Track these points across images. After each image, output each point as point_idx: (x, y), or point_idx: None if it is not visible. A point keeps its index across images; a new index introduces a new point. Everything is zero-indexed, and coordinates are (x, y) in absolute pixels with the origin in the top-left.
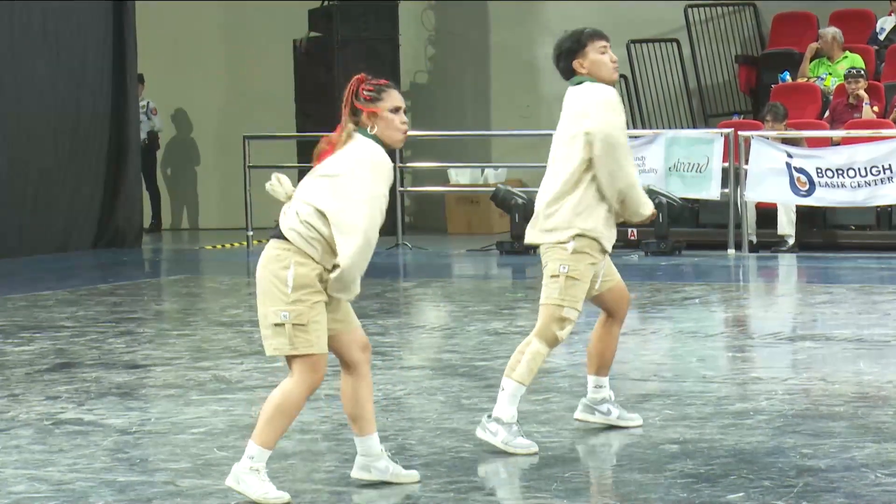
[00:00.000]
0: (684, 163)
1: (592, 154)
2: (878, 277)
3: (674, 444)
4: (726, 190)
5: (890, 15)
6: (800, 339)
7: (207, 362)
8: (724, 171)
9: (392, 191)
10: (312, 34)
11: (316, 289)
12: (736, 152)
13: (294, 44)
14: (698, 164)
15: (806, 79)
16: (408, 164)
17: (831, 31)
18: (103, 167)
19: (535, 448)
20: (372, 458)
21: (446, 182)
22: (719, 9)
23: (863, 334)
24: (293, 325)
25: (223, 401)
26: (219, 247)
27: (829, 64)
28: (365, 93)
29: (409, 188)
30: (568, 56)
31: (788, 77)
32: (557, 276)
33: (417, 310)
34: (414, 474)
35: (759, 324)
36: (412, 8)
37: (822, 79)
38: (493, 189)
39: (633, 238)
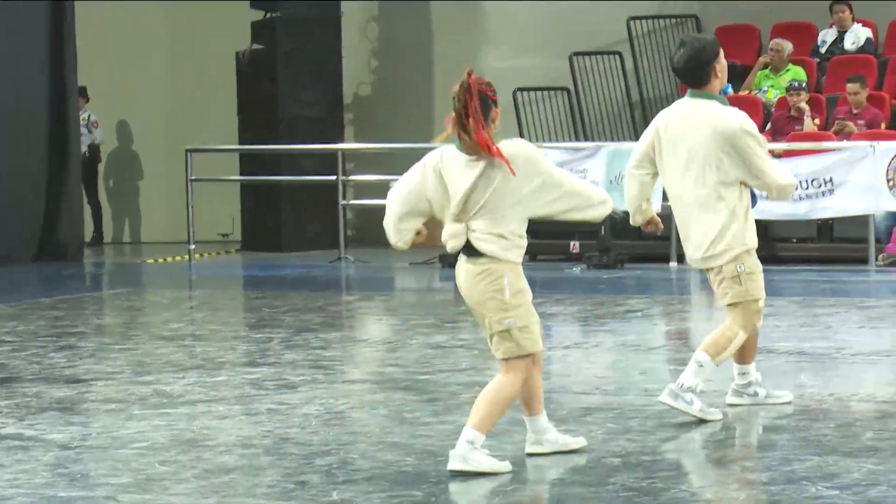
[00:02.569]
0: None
1: None
2: (820, 290)
3: (616, 457)
4: (668, 203)
5: (831, 27)
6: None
7: (149, 377)
8: None
9: (334, 204)
10: (255, 46)
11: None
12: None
13: (237, 56)
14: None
15: (749, 91)
16: (350, 178)
17: (787, 44)
18: (44, 181)
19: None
20: (540, 433)
21: None
22: (661, 21)
23: (804, 347)
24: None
25: (165, 415)
26: (161, 260)
27: (772, 76)
28: (491, 93)
29: (351, 201)
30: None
31: (731, 89)
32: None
33: (360, 323)
34: (581, 440)
35: (701, 337)
36: (355, 20)
37: (764, 91)
38: None
39: (575, 251)
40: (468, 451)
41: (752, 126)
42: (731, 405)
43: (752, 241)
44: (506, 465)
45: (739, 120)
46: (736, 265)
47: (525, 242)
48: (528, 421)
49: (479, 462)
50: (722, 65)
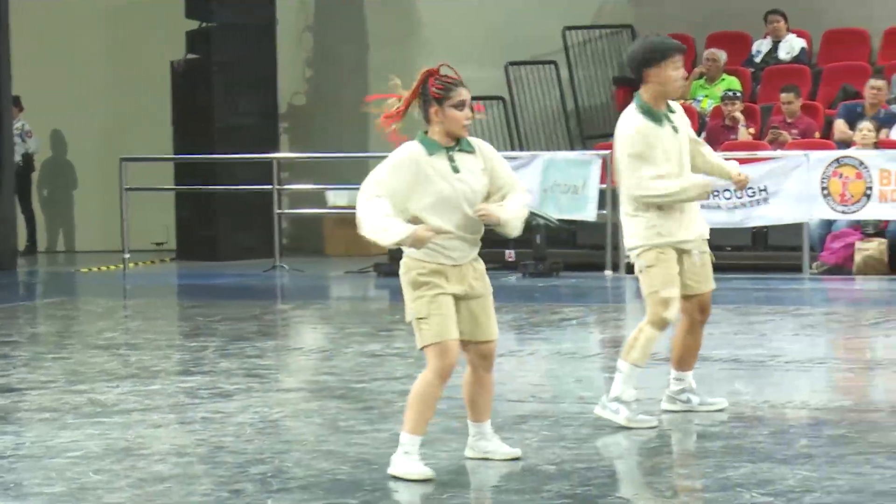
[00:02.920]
0: (561, 184)
1: None
2: (754, 298)
3: (551, 465)
4: (604, 211)
5: (766, 37)
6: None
7: (83, 385)
8: (602, 193)
9: (269, 213)
10: (190, 56)
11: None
12: (613, 174)
13: (172, 65)
14: (575, 186)
15: (683, 100)
16: (285, 186)
17: (722, 54)
18: None
19: (651, 423)
20: (476, 438)
21: (324, 204)
22: (596, 31)
23: (739, 355)
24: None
25: (99, 424)
26: (95, 269)
27: (707, 86)
28: (434, 90)
29: (286, 210)
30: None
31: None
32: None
33: (295, 332)
34: (516, 451)
35: None
36: (290, 29)
37: (699, 101)
38: None
39: (510, 259)
40: (396, 457)
41: (630, 131)
42: (665, 411)
43: (657, 238)
44: (425, 472)
45: (622, 125)
46: (639, 261)
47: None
48: (469, 425)
49: (400, 468)
50: (662, 74)
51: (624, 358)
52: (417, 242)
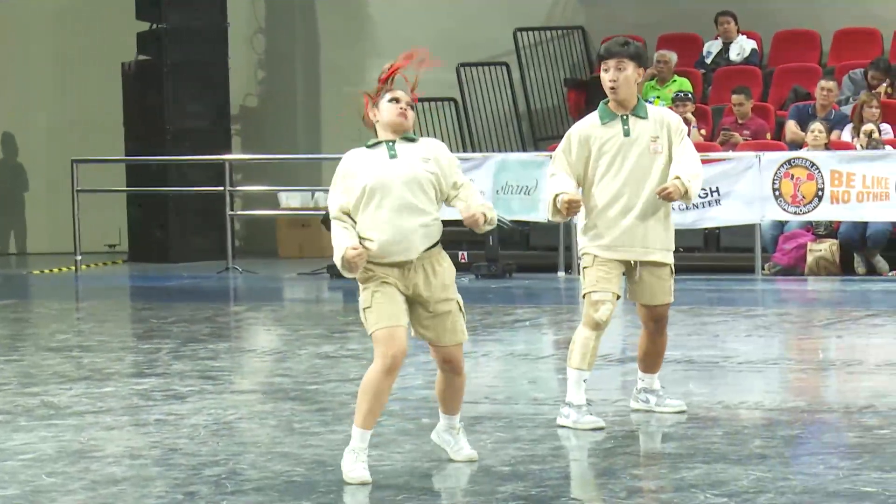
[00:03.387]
0: (513, 185)
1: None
2: (707, 299)
3: (506, 466)
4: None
5: (717, 39)
6: (629, 361)
7: (36, 388)
8: None
9: (221, 215)
10: (141, 57)
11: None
12: None
13: (123, 67)
14: (527, 187)
15: None
16: (238, 188)
17: (673, 55)
18: None
19: (595, 424)
20: (446, 429)
21: (277, 205)
22: (548, 32)
23: (692, 356)
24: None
25: (52, 426)
26: (47, 271)
27: (658, 88)
28: (378, 89)
29: (239, 212)
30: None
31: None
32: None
33: (248, 334)
34: (473, 454)
35: None
36: (242, 31)
37: (650, 102)
38: (324, 212)
39: (463, 261)
40: (346, 452)
41: (566, 135)
42: (633, 410)
43: (589, 244)
44: (360, 477)
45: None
46: (581, 262)
47: (369, 235)
48: (440, 415)
49: (343, 466)
50: (601, 77)
51: (567, 363)
52: (348, 266)
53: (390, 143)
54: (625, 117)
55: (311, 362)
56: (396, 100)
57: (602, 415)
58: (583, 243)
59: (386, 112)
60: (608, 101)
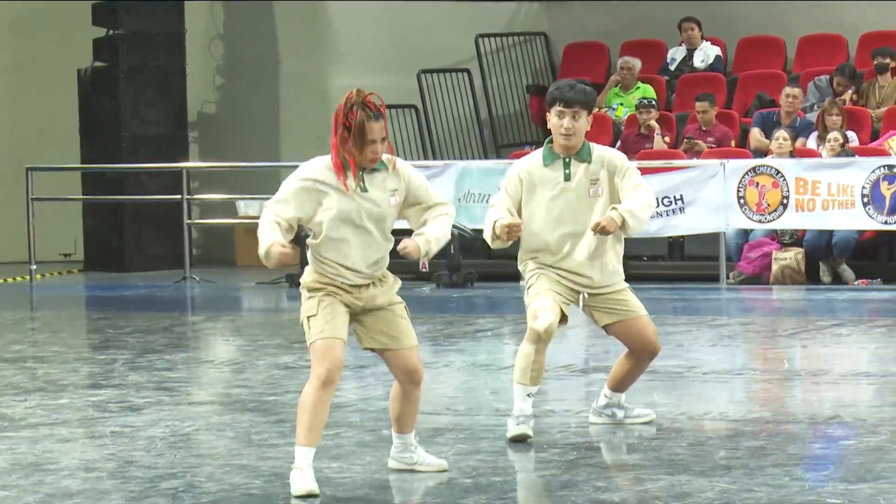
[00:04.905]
0: (475, 193)
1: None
2: (671, 308)
3: (467, 477)
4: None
5: (681, 45)
6: (592, 371)
7: None
8: None
9: (178, 223)
10: (97, 63)
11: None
12: None
13: (79, 73)
14: (490, 195)
15: (598, 108)
16: (195, 196)
17: (637, 62)
18: None
19: (521, 431)
20: (400, 449)
21: (235, 214)
22: (510, 39)
23: (656, 366)
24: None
25: (6, 439)
26: (1, 281)
27: (622, 94)
28: (347, 119)
29: (196, 220)
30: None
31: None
32: None
33: (206, 344)
34: (443, 463)
35: (551, 356)
36: (200, 37)
37: (614, 109)
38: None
39: (424, 269)
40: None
41: (508, 173)
42: (592, 423)
43: (526, 263)
44: (307, 488)
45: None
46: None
47: (329, 259)
48: (393, 436)
49: (291, 484)
50: (550, 120)
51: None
52: (268, 259)
53: (360, 173)
54: (567, 161)
55: (269, 373)
56: (374, 141)
57: (564, 426)
58: (530, 266)
59: (363, 155)
60: (552, 141)
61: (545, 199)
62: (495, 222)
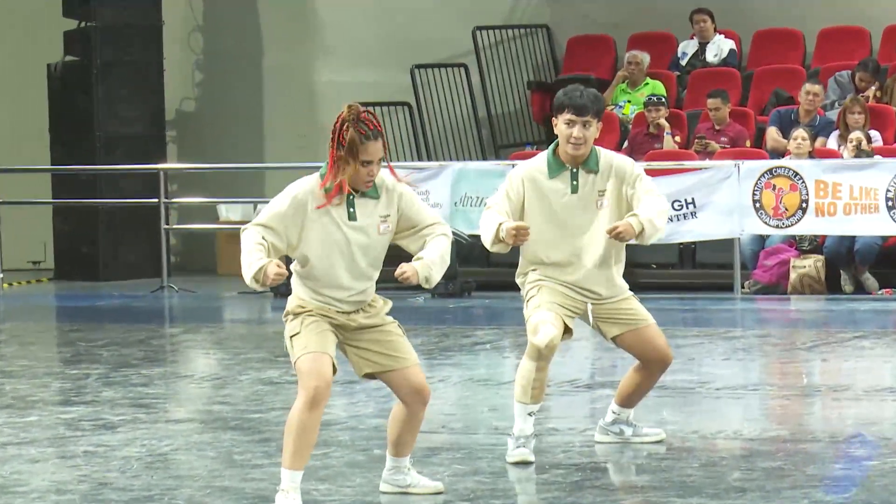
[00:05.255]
0: (473, 197)
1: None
2: (682, 320)
3: (464, 500)
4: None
5: (692, 39)
6: (598, 387)
7: None
8: None
9: (155, 228)
10: (69, 58)
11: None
12: None
13: (48, 68)
14: (488, 198)
15: (605, 107)
16: (174, 200)
17: (645, 56)
18: None
19: (521, 457)
20: (394, 471)
21: (216, 219)
22: (510, 31)
23: (665, 381)
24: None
25: None
26: None
27: (630, 91)
28: (344, 137)
29: (175, 226)
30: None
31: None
32: None
33: (185, 358)
34: (438, 485)
35: (555, 370)
36: (178, 29)
37: (621, 107)
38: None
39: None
40: (277, 496)
41: (509, 176)
42: (598, 443)
43: (527, 275)
44: None
45: None
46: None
47: (315, 286)
48: (388, 458)
49: None
50: (558, 127)
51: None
52: (265, 279)
53: (350, 198)
54: (574, 171)
55: (253, 389)
56: (369, 162)
57: (568, 445)
58: (531, 278)
59: (357, 177)
60: (557, 148)
61: (550, 211)
62: (500, 225)
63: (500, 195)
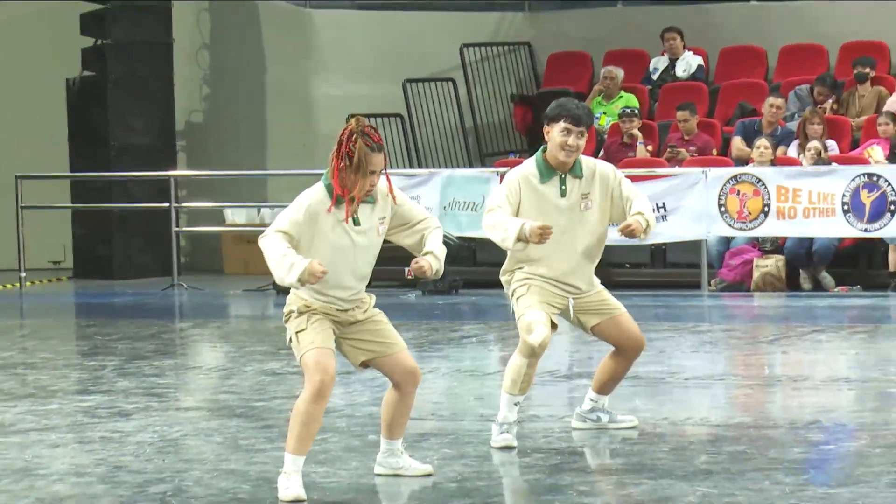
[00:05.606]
0: (460, 202)
1: None
2: (654, 315)
3: (452, 482)
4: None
5: (663, 55)
6: (576, 377)
7: None
8: None
9: (166, 231)
10: (86, 73)
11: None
12: None
13: (67, 83)
14: (474, 203)
15: None
16: (183, 204)
17: (619, 71)
18: None
19: (505, 442)
20: (387, 454)
21: (222, 222)
22: (494, 48)
23: (638, 371)
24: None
25: None
26: None
27: (605, 104)
28: (350, 149)
29: (184, 228)
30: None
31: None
32: None
33: (194, 351)
34: (428, 468)
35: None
36: (187, 46)
37: (597, 118)
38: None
39: (410, 276)
40: (279, 477)
41: (506, 180)
42: (575, 429)
43: (513, 273)
44: (295, 494)
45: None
46: (508, 289)
47: (320, 287)
48: (382, 440)
49: (279, 488)
50: (551, 134)
51: (502, 386)
52: (311, 277)
53: (354, 205)
54: (563, 177)
55: (256, 379)
56: (373, 172)
57: (548, 431)
58: (518, 276)
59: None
60: (545, 154)
61: (543, 213)
62: (523, 225)
63: (500, 197)
